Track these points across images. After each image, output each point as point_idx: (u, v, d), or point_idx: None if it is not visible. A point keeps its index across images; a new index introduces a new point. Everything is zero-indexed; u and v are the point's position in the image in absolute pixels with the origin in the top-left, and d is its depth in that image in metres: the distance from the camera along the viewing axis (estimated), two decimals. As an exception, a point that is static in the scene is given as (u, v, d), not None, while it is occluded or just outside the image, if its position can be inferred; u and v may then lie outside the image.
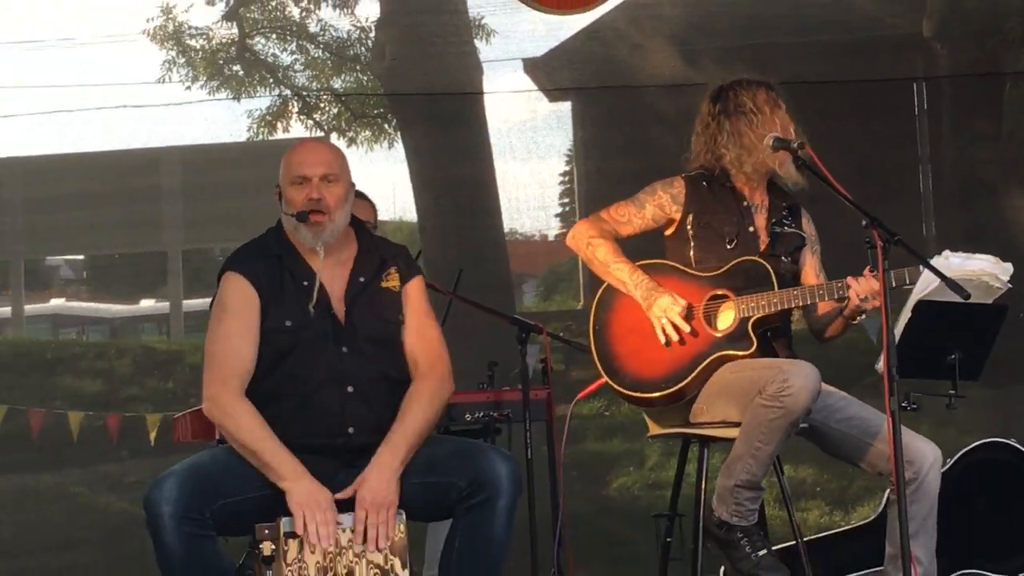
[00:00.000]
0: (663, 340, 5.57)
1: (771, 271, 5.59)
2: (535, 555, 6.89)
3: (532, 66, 10.74)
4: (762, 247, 5.71)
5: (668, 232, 5.81)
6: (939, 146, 10.79)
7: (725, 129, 5.71)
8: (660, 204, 5.77)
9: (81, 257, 11.49)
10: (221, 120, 10.50)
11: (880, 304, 4.99)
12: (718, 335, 5.57)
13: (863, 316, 5.46)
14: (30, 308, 10.46)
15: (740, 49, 10.33)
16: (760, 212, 5.78)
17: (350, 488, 4.81)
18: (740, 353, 5.51)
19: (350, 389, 5.00)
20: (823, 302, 5.63)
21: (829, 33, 10.61)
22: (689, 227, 5.73)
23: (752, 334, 5.52)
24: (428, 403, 5.03)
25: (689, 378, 5.54)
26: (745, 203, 5.76)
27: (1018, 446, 7.19)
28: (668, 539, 5.80)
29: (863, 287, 5.32)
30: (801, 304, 5.60)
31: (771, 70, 9.55)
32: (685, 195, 5.75)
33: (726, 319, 5.60)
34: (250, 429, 4.89)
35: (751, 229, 5.73)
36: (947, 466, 6.83)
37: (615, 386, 5.68)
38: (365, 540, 4.75)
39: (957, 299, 4.97)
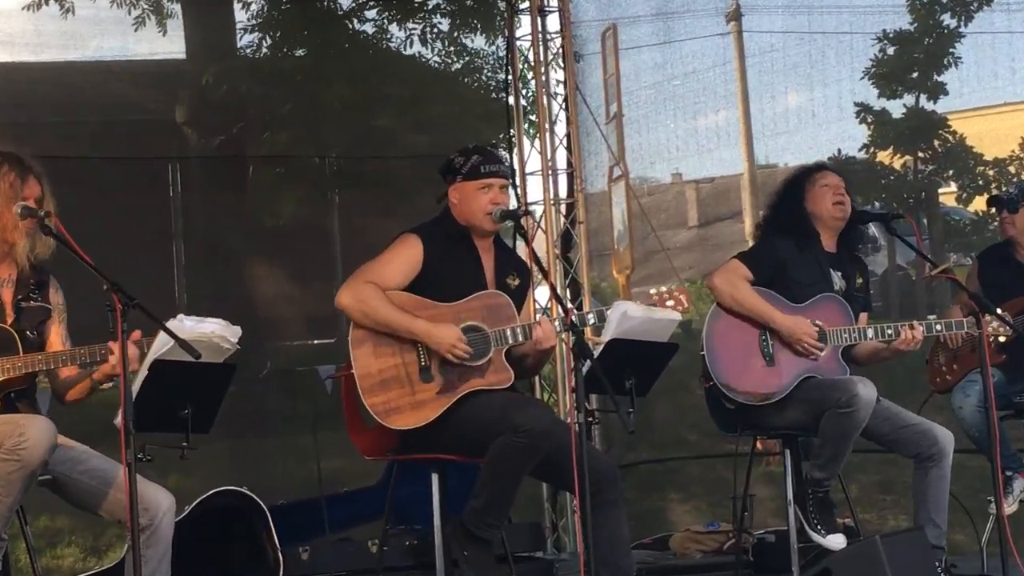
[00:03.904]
0: None
1: (16, 337, 5.35)
2: None
3: None
4: (8, 320, 5.41)
5: None
6: (191, 219, 10.80)
7: None
8: None
9: None
10: None
11: (121, 370, 4.88)
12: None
13: (111, 383, 5.32)
14: None
15: (4, 126, 9.99)
16: (7, 287, 5.47)
17: None
18: None
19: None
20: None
21: (90, 114, 10.47)
22: None
23: None
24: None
25: None
26: None
27: (248, 492, 7.26)
28: None
29: (114, 359, 5.15)
30: (44, 368, 5.39)
31: (35, 145, 9.33)
32: None
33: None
34: None
35: None
36: (187, 511, 6.81)
37: None
38: None
39: (189, 358, 4.96)
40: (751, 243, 11.39)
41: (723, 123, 11.36)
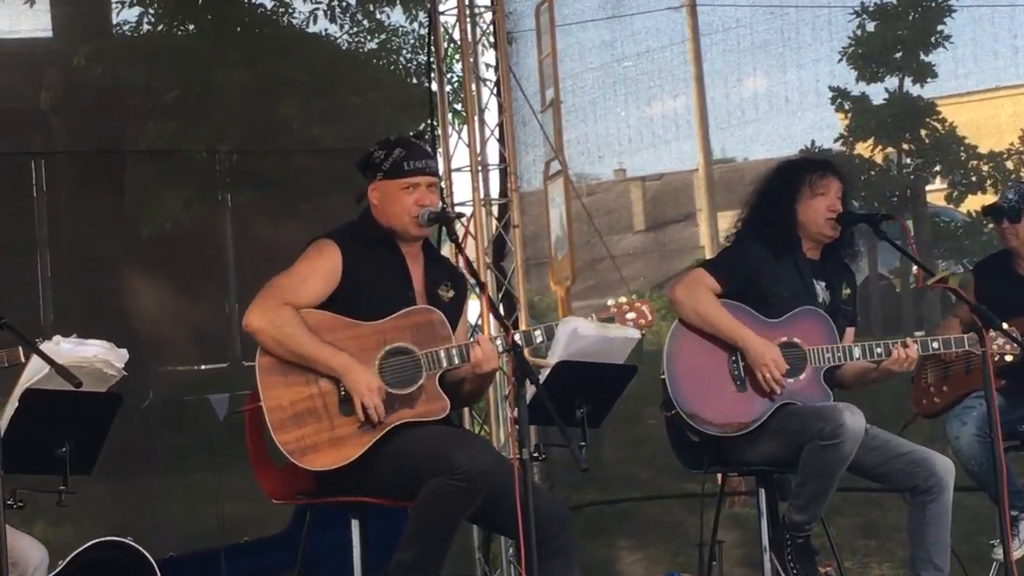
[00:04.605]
0: None
1: None
2: None
3: None
4: None
5: None
6: (59, 224, 10.74)
7: None
8: None
9: None
10: None
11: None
12: None
13: None
14: None
15: None
16: None
17: None
18: None
19: None
20: None
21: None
22: None
23: None
24: None
25: None
26: None
27: (132, 544, 7.19)
28: None
29: None
30: None
31: None
32: None
33: None
34: None
35: None
36: (60, 567, 6.74)
37: None
38: None
39: (68, 387, 4.92)
40: (708, 248, 11.46)
41: (683, 110, 11.41)
